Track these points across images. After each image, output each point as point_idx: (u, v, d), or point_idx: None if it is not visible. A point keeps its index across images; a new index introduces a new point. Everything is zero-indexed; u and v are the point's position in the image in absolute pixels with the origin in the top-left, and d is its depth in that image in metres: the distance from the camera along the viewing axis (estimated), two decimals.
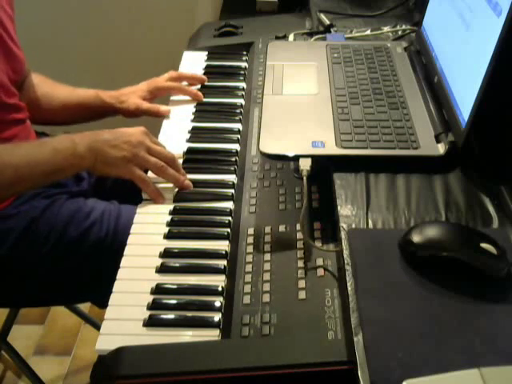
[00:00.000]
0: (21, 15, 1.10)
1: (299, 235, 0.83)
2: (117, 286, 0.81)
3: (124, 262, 0.84)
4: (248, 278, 0.78)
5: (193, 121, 1.14)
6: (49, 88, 1.21)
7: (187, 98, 1.20)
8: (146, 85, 1.22)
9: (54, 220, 1.02)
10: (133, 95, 1.20)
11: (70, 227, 1.01)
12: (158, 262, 0.84)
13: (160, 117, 1.17)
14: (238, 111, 1.15)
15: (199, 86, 1.23)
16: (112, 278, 0.81)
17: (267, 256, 0.81)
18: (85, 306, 1.63)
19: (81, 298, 1.18)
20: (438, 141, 0.92)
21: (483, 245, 0.70)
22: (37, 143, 0.99)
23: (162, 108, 1.18)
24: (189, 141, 1.08)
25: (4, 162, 0.91)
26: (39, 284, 1.04)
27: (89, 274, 1.02)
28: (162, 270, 0.83)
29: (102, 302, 0.80)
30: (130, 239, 0.88)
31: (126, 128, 0.98)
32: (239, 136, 1.08)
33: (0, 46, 1.02)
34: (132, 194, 0.97)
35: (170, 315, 0.76)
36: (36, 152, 0.95)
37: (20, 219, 1.01)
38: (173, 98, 1.22)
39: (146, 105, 1.19)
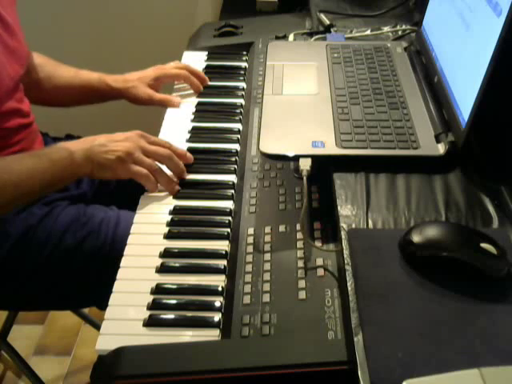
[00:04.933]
0: (21, 16, 1.10)
1: (299, 235, 0.83)
2: (117, 285, 0.81)
3: (124, 261, 0.84)
4: (248, 278, 0.78)
5: (193, 121, 1.14)
6: (51, 69, 1.20)
7: (187, 96, 1.20)
8: (152, 71, 1.22)
9: (51, 227, 1.01)
10: (141, 83, 1.20)
11: (67, 235, 1.00)
12: (158, 262, 0.84)
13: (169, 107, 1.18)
14: (238, 111, 1.15)
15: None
16: (111, 284, 0.81)
17: (267, 256, 0.81)
18: None
19: (81, 303, 1.18)
20: (438, 141, 0.92)
21: (483, 245, 0.70)
22: (34, 155, 0.97)
23: (176, 101, 1.18)
24: (189, 141, 1.08)
25: (4, 180, 0.91)
26: (38, 289, 1.03)
27: (88, 281, 1.01)
28: (162, 270, 0.83)
29: (103, 304, 0.80)
30: (130, 239, 0.88)
31: (122, 132, 0.99)
32: (239, 136, 1.08)
33: (3, 48, 1.00)
34: (135, 196, 0.97)
35: (170, 315, 0.76)
36: (34, 166, 0.94)
37: (17, 225, 1.01)
38: (175, 92, 1.22)
39: (158, 96, 1.19)
